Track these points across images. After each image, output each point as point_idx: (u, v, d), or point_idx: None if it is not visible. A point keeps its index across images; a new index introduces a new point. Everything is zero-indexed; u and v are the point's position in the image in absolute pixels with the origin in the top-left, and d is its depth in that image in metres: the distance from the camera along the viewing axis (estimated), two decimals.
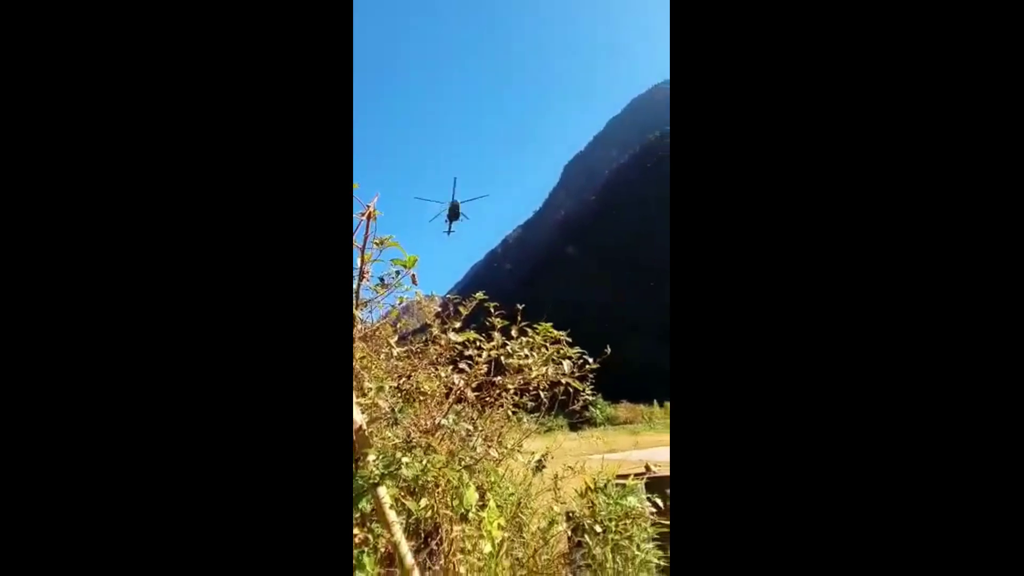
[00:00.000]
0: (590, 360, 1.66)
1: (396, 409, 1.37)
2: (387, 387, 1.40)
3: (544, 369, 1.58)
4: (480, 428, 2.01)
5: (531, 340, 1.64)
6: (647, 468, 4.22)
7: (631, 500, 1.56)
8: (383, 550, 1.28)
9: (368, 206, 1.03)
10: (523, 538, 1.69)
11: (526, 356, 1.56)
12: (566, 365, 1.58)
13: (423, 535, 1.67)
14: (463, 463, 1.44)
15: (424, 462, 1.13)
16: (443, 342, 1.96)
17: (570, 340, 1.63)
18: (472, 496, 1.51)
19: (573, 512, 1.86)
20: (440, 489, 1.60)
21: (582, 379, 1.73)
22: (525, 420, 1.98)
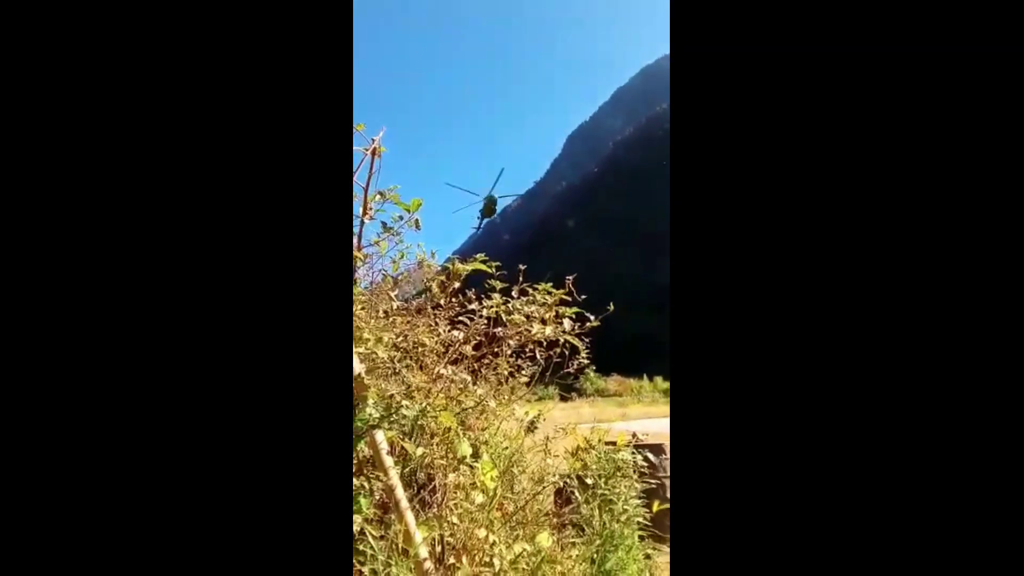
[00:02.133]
0: (591, 318, 1.66)
1: (395, 359, 1.37)
2: (386, 338, 1.39)
3: (545, 327, 1.58)
4: (485, 393, 2.03)
5: (533, 298, 1.63)
6: (634, 436, 4.34)
7: (623, 454, 1.60)
8: (378, 496, 1.30)
9: (373, 140, 0.99)
10: (513, 493, 1.74)
11: (528, 315, 1.55)
12: (567, 323, 1.58)
13: (417, 486, 1.71)
14: (463, 408, 1.46)
15: (423, 404, 1.13)
16: (448, 287, 1.95)
17: (569, 299, 1.62)
18: (466, 448, 1.53)
19: (563, 471, 1.90)
20: (436, 439, 1.63)
21: (581, 338, 1.73)
22: (523, 378, 1.99)
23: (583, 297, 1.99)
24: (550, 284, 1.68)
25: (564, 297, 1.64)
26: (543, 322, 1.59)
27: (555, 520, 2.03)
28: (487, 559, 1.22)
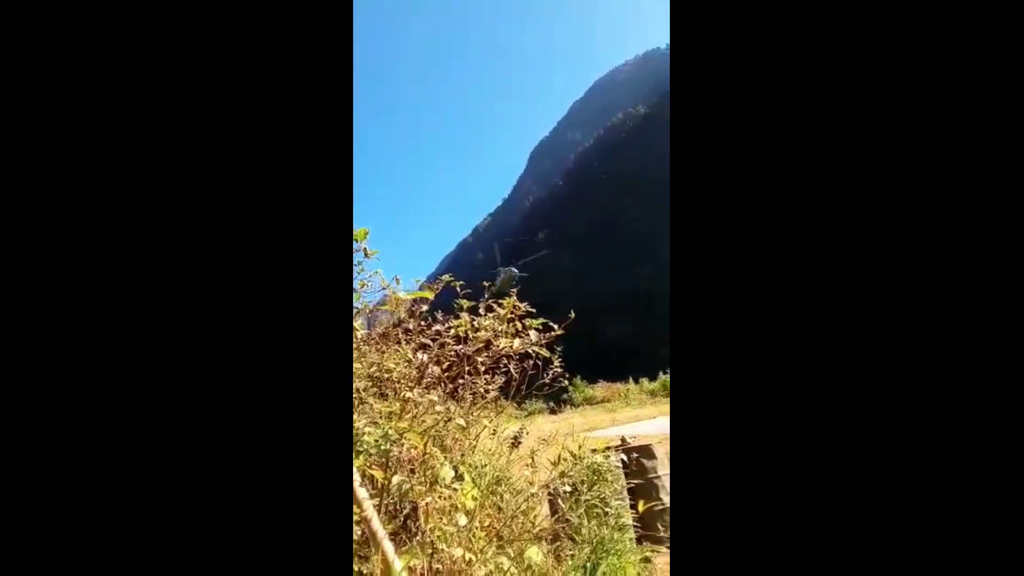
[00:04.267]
0: (555, 327, 1.68)
1: (362, 389, 1.35)
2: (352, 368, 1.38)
3: (512, 341, 1.60)
4: (452, 409, 2.02)
5: (497, 314, 1.65)
6: (623, 440, 4.35)
7: (597, 458, 1.61)
8: (359, 533, 1.28)
9: None
10: (499, 510, 1.72)
11: (492, 329, 1.57)
12: (532, 335, 1.60)
13: (402, 518, 1.68)
14: (430, 428, 1.45)
15: (385, 428, 1.13)
16: (412, 324, 1.95)
17: (533, 311, 1.65)
18: (447, 472, 1.52)
19: (549, 482, 1.90)
20: (415, 464, 1.61)
21: (550, 348, 1.75)
22: (503, 403, 2.00)
23: (571, 313, 2.01)
24: (515, 298, 1.71)
25: (530, 309, 1.67)
26: (514, 335, 1.61)
27: (548, 533, 2.01)
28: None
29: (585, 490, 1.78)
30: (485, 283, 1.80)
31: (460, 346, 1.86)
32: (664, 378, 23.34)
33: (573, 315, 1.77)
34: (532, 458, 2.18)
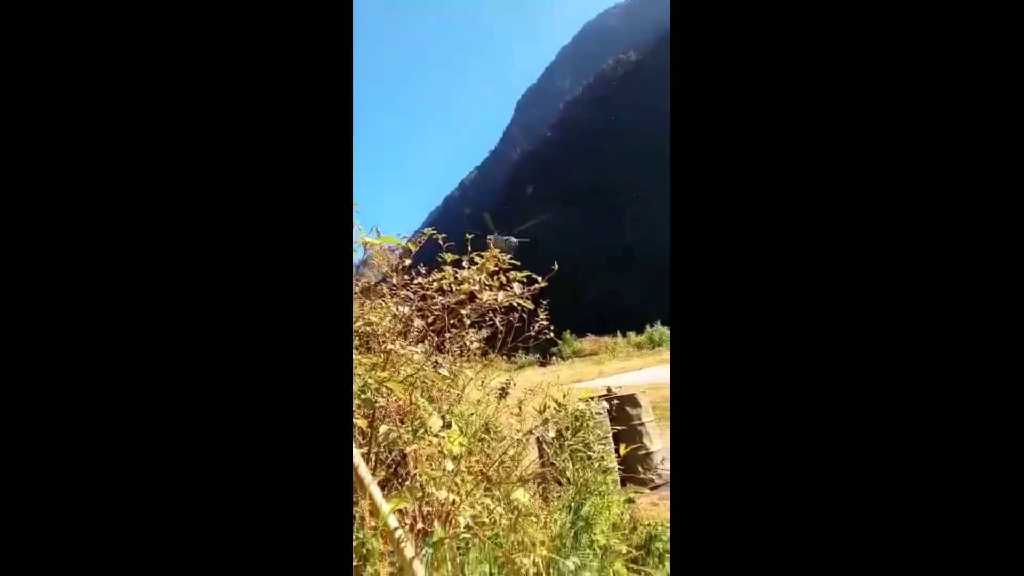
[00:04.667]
0: (539, 279, 1.68)
1: None
2: None
3: (496, 293, 1.59)
4: (438, 361, 2.04)
5: (481, 266, 1.63)
6: (608, 390, 4.49)
7: (579, 405, 1.66)
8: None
9: None
10: (487, 456, 1.78)
11: (476, 282, 1.55)
12: (516, 287, 1.59)
13: (393, 466, 1.73)
14: (417, 383, 1.47)
15: (365, 378, 1.14)
16: (395, 279, 1.93)
17: (517, 264, 1.63)
18: (435, 422, 1.55)
19: (534, 429, 1.96)
20: (403, 415, 1.64)
21: (535, 301, 1.75)
22: (491, 356, 2.01)
23: (554, 265, 2.00)
24: (498, 251, 1.69)
25: (513, 261, 1.65)
26: (498, 288, 1.60)
27: (535, 476, 2.10)
28: (457, 520, 1.26)
29: (569, 436, 1.84)
30: (468, 235, 1.77)
31: (444, 299, 1.85)
32: (651, 331, 23.95)
33: (556, 267, 1.75)
34: (520, 407, 2.24)
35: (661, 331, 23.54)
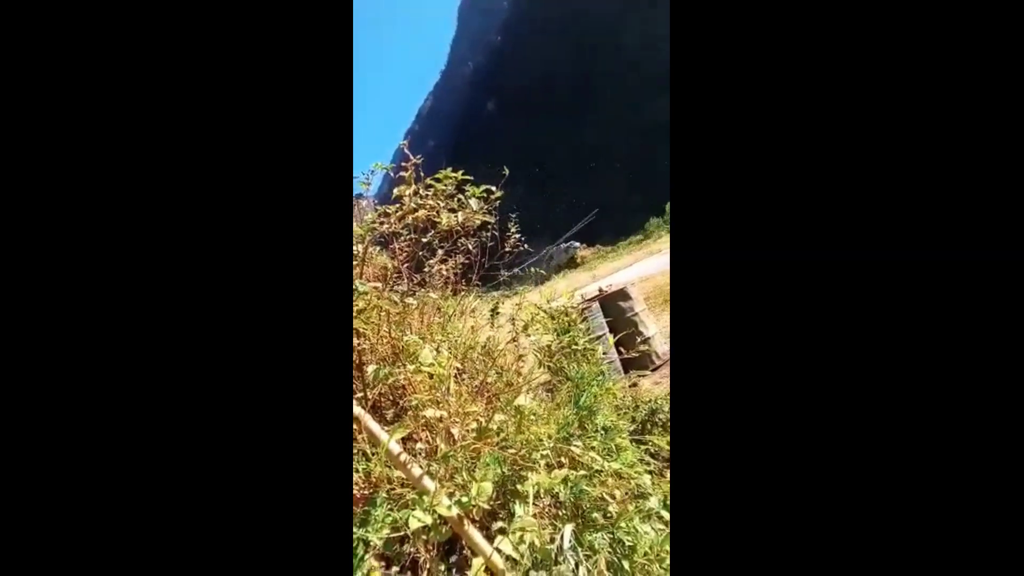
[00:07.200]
0: (493, 189, 1.62)
1: None
2: None
3: (456, 215, 1.54)
4: (426, 290, 2.05)
5: (436, 188, 1.57)
6: (600, 291, 4.60)
7: (560, 301, 1.69)
8: None
9: None
10: (480, 371, 1.85)
11: (432, 207, 1.50)
12: (473, 203, 1.54)
13: (394, 404, 1.80)
14: (396, 320, 1.48)
15: None
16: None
17: (471, 178, 1.56)
18: (426, 354, 1.58)
19: (518, 335, 2.03)
20: (397, 355, 1.68)
21: (506, 218, 1.71)
22: (446, 271, 2.00)
23: (504, 170, 1.91)
24: (449, 169, 1.61)
25: (467, 176, 1.58)
26: (451, 211, 1.55)
27: (537, 382, 2.21)
28: (466, 430, 1.33)
29: (561, 337, 1.90)
30: (417, 157, 1.67)
31: (411, 235, 1.81)
32: (640, 235, 24.00)
33: (507, 171, 1.69)
34: (513, 322, 2.29)
35: (654, 222, 23.63)
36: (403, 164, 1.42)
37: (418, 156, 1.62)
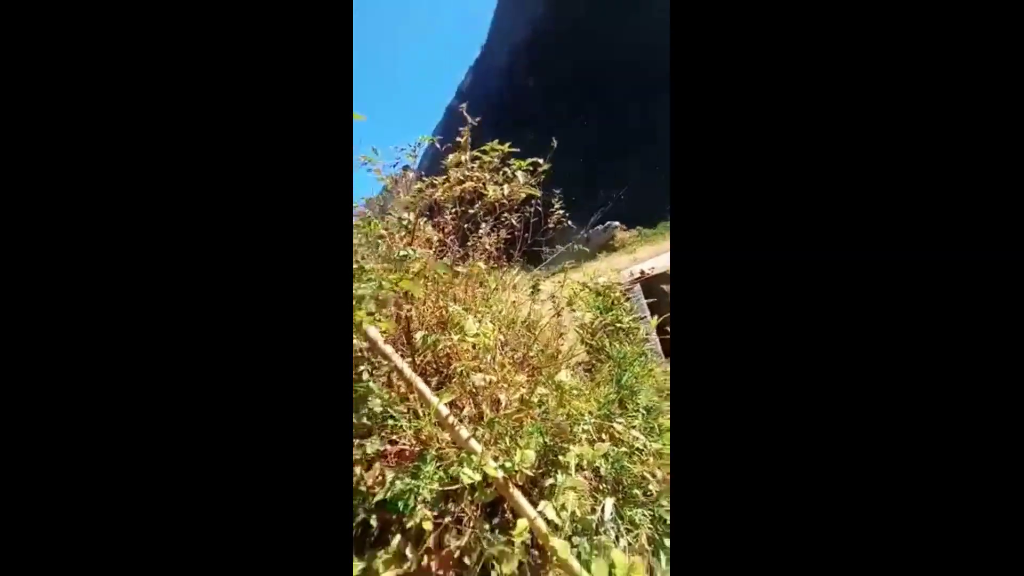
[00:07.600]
0: (540, 162, 1.59)
1: (360, 257, 1.37)
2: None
3: (502, 188, 1.53)
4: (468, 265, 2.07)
5: (483, 161, 1.56)
6: (642, 273, 4.51)
7: (601, 280, 1.67)
8: (385, 378, 1.40)
9: None
10: (524, 344, 1.86)
11: (479, 179, 1.50)
12: (520, 176, 1.52)
13: (439, 373, 1.85)
14: (443, 288, 1.50)
15: (378, 280, 1.16)
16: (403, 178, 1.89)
17: (517, 151, 1.54)
18: (471, 325, 1.61)
19: (560, 312, 2.02)
20: (443, 325, 1.71)
21: (550, 195, 1.69)
22: (488, 245, 2.01)
23: (553, 142, 1.87)
24: (496, 141, 1.59)
25: (513, 149, 1.56)
26: (497, 184, 1.54)
27: (577, 359, 2.21)
28: (510, 399, 1.35)
29: (604, 315, 1.88)
30: (461, 129, 1.67)
31: (457, 207, 1.82)
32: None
33: (555, 142, 1.65)
34: (554, 299, 2.29)
35: None
36: (460, 130, 1.42)
37: (464, 128, 1.61)
